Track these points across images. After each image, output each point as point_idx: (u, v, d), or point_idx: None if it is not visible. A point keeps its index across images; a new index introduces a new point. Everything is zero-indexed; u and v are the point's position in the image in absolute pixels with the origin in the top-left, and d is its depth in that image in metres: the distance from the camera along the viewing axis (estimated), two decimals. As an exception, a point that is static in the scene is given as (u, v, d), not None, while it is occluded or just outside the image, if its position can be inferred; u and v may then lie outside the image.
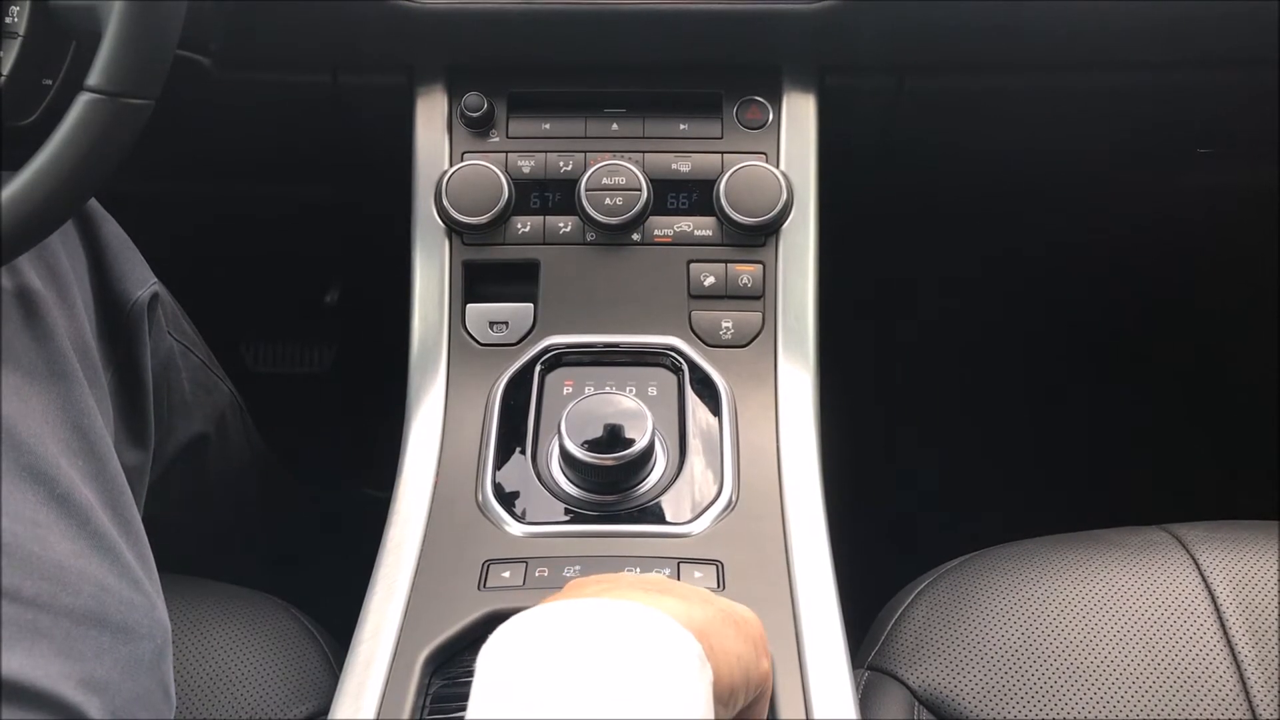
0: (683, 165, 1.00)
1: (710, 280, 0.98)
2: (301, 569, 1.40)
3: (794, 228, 0.99)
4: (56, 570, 0.67)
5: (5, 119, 0.77)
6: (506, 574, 0.80)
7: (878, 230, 1.42)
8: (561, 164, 1.00)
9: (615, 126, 1.02)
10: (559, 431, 0.83)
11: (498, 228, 0.99)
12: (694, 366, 0.94)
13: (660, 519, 0.84)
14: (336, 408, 1.77)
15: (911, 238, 1.50)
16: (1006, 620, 0.87)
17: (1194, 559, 0.90)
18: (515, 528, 0.84)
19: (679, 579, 0.79)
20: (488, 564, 0.81)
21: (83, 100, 0.69)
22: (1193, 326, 1.72)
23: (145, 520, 0.82)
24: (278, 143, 1.20)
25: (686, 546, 0.82)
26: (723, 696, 0.55)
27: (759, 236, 0.98)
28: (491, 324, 0.98)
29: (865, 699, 0.86)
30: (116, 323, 0.88)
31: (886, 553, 1.13)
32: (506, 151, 1.01)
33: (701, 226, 0.99)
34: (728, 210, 0.97)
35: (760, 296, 0.98)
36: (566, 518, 0.85)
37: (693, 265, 0.98)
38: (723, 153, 1.00)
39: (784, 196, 0.97)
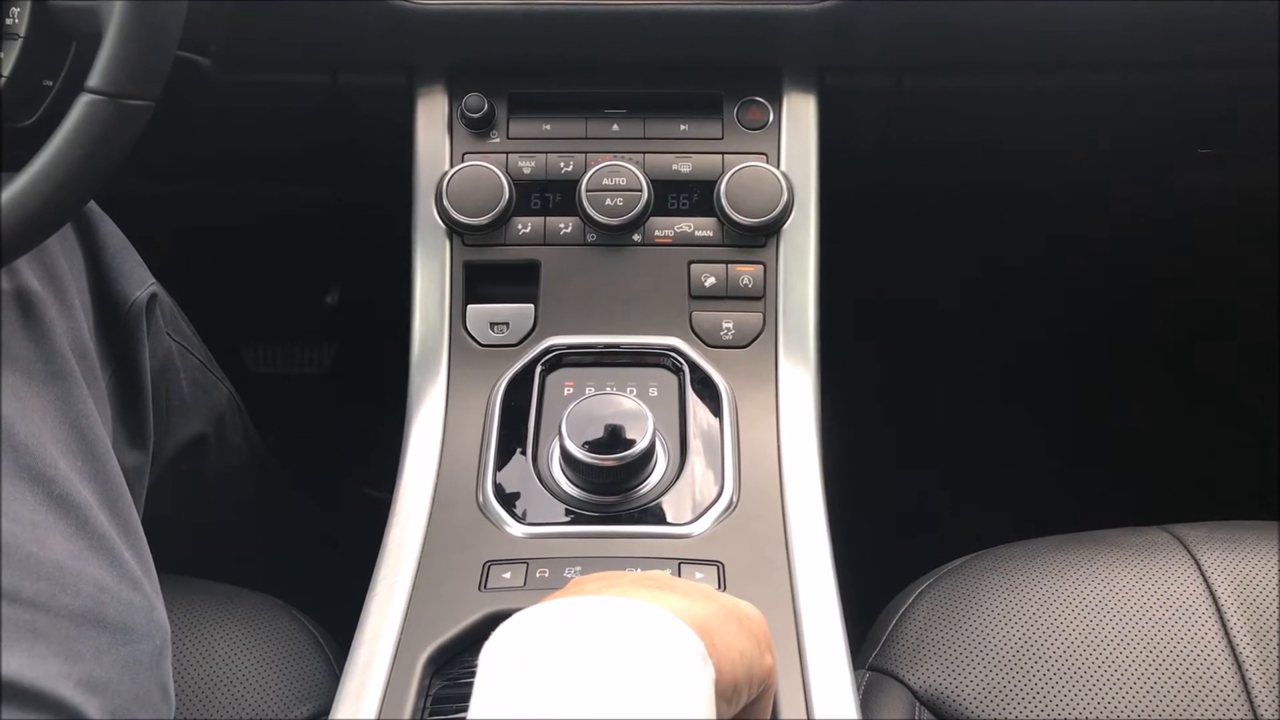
0: (683, 166, 1.00)
1: (711, 281, 0.98)
2: (302, 570, 1.40)
3: (794, 228, 0.99)
4: (55, 571, 0.67)
5: (6, 120, 0.77)
6: (507, 575, 0.80)
7: (878, 230, 1.42)
8: (562, 165, 1.00)
9: (616, 127, 1.02)
10: (560, 432, 0.83)
11: (498, 228, 0.99)
12: (694, 367, 0.94)
13: (661, 520, 0.84)
14: (337, 408, 1.77)
15: (912, 237, 1.50)
16: (1007, 621, 0.87)
17: (1195, 559, 0.90)
18: (516, 528, 0.84)
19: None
20: (488, 565, 0.81)
21: (83, 101, 0.69)
22: (1193, 326, 1.72)
23: (145, 521, 0.82)
24: (278, 143, 1.20)
25: (687, 547, 0.82)
26: (726, 693, 0.55)
27: (759, 237, 0.98)
28: (492, 325, 0.98)
29: (866, 699, 0.86)
30: (114, 323, 0.88)
31: (887, 553, 1.13)
32: (507, 152, 1.01)
33: (702, 227, 0.99)
34: (728, 211, 0.97)
35: (761, 297, 0.98)
36: (567, 518, 0.85)
37: (693, 266, 0.98)
38: (723, 153, 1.00)
39: (784, 197, 0.97)
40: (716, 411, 0.92)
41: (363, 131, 1.12)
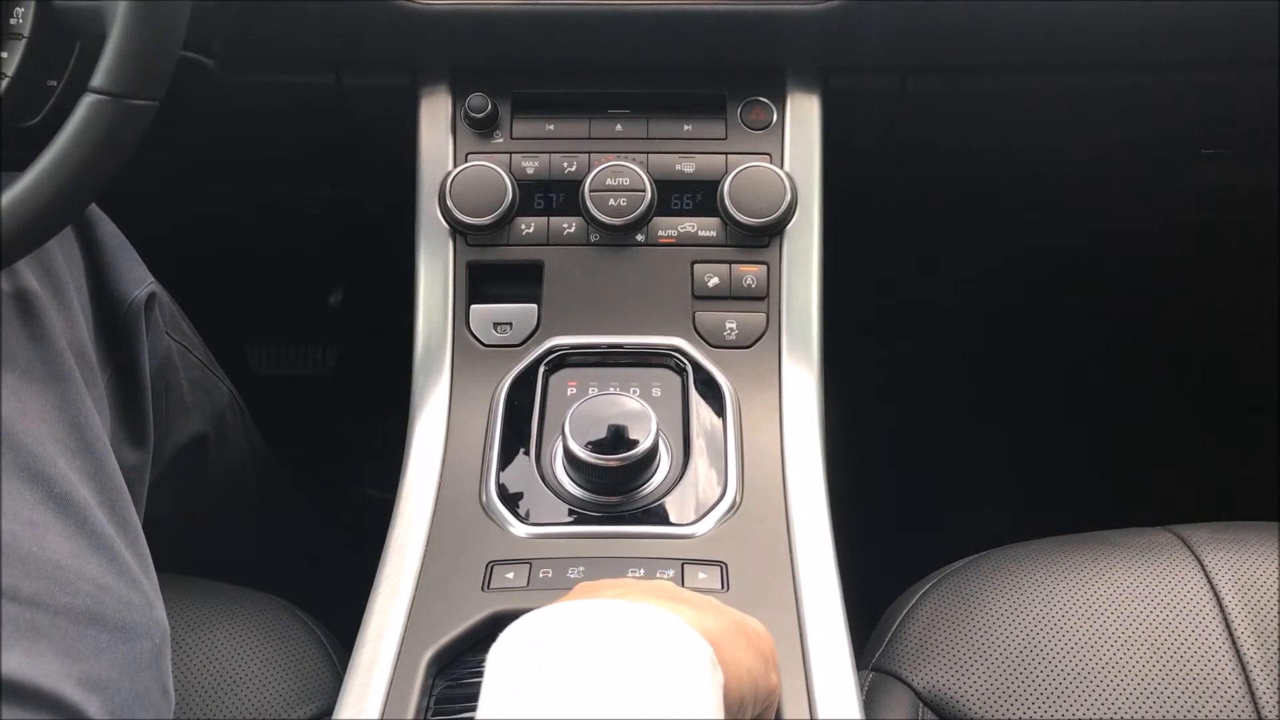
0: (687, 166, 1.00)
1: (714, 281, 0.98)
2: (305, 570, 1.40)
3: (798, 228, 0.99)
4: (55, 570, 0.67)
5: (10, 120, 0.77)
6: (510, 575, 0.79)
7: (881, 230, 1.42)
8: (565, 165, 1.00)
9: (619, 127, 1.02)
10: (563, 432, 0.83)
11: (502, 229, 0.99)
12: (698, 367, 0.94)
13: (664, 520, 0.84)
14: (340, 409, 1.77)
15: (915, 238, 1.50)
16: (1011, 621, 0.87)
17: (1199, 560, 0.90)
18: (519, 529, 0.84)
19: (683, 580, 0.79)
20: (491, 565, 0.80)
21: (87, 101, 0.69)
22: (1195, 326, 1.71)
23: (146, 520, 0.82)
24: (282, 144, 1.20)
25: (690, 548, 0.82)
26: (732, 707, 0.55)
27: (763, 237, 0.98)
28: (495, 325, 0.98)
29: (870, 700, 0.85)
30: (114, 323, 0.88)
31: (891, 554, 1.13)
32: (510, 152, 1.01)
33: (705, 227, 0.99)
34: (732, 211, 0.97)
35: (764, 297, 0.98)
36: (570, 519, 0.85)
37: (697, 266, 0.98)
38: (727, 153, 1.00)
39: (788, 197, 0.97)
40: (720, 412, 0.92)
41: (366, 132, 1.12)
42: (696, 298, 0.98)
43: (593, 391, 0.90)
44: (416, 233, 1.00)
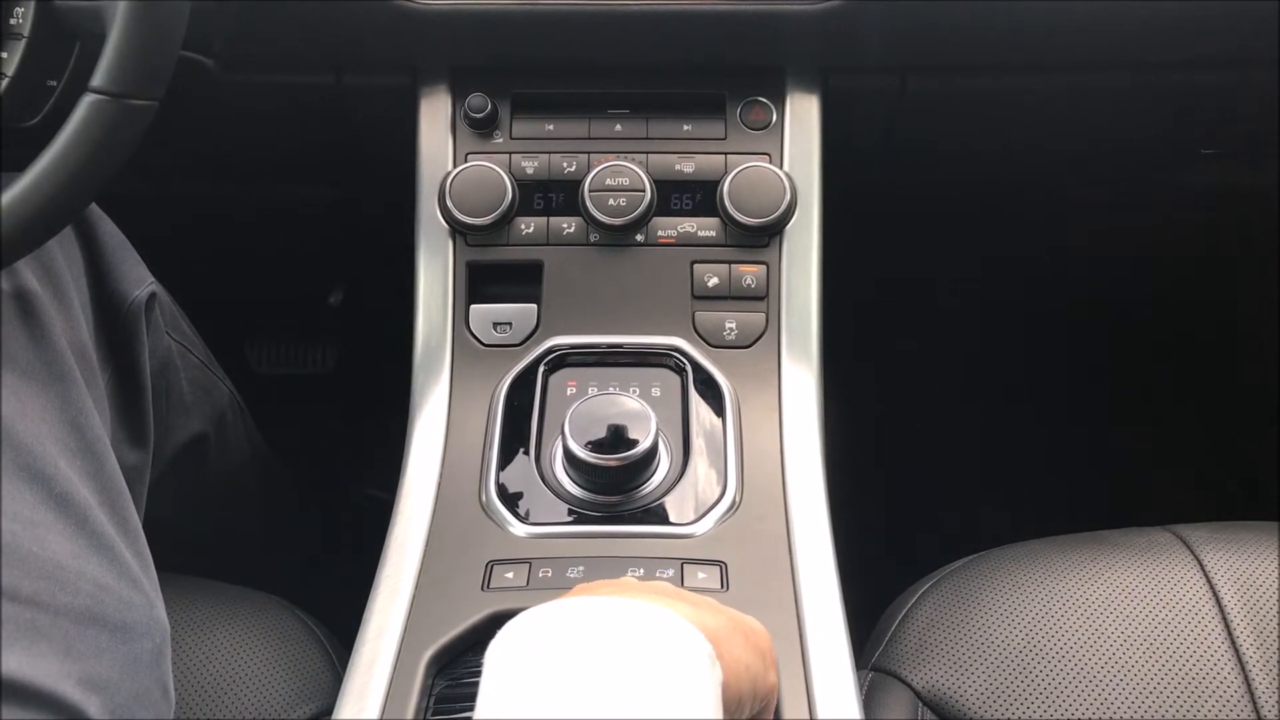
0: (686, 166, 1.00)
1: (714, 281, 0.98)
2: (305, 570, 1.40)
3: (797, 228, 0.99)
4: (55, 569, 0.67)
5: (10, 120, 0.77)
6: (510, 575, 0.79)
7: (881, 230, 1.42)
8: (565, 165, 1.00)
9: (619, 127, 1.02)
10: (562, 432, 0.83)
11: (501, 229, 0.99)
12: (697, 367, 0.94)
13: (664, 520, 0.84)
14: (340, 408, 1.77)
15: (914, 238, 1.50)
16: (1010, 621, 0.87)
17: (1198, 560, 0.90)
18: (519, 528, 0.84)
19: (682, 580, 0.79)
20: (491, 565, 0.81)
21: (87, 101, 0.69)
22: (1195, 327, 1.71)
23: (146, 520, 0.82)
24: (282, 143, 1.20)
25: (690, 547, 0.82)
26: (730, 705, 0.55)
27: (762, 237, 0.98)
28: (495, 325, 0.98)
29: (869, 700, 0.85)
30: (114, 323, 0.88)
31: (890, 554, 1.13)
32: (510, 152, 1.01)
33: (705, 227, 0.99)
34: (731, 211, 0.97)
35: (764, 297, 0.98)
36: (570, 518, 0.85)
37: (696, 266, 0.98)
38: (726, 153, 1.00)
39: (788, 197, 0.97)
40: (719, 411, 0.92)
41: (366, 132, 1.12)
42: (696, 298, 0.98)
43: (592, 391, 0.90)
44: (416, 233, 1.00)
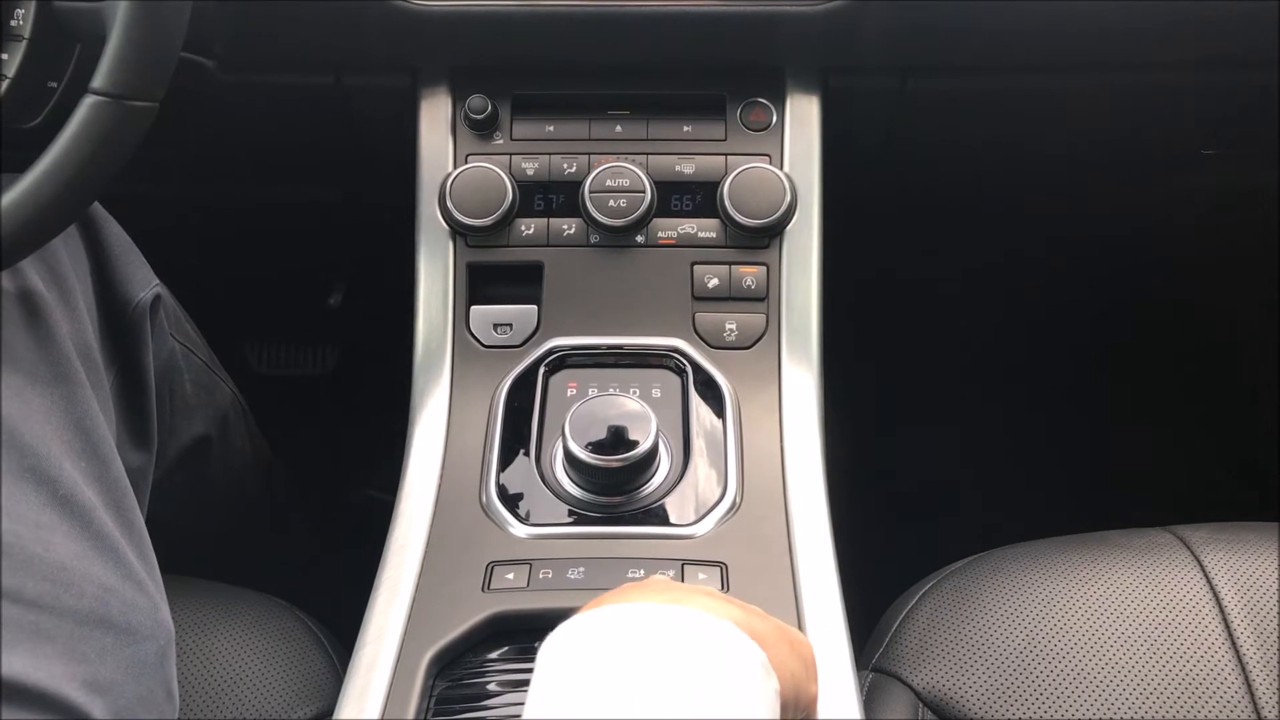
0: (686, 167, 1.00)
1: (714, 282, 0.98)
2: (306, 571, 1.41)
3: (798, 229, 0.99)
4: (59, 571, 0.67)
5: (10, 121, 0.77)
6: (510, 575, 0.80)
7: (881, 231, 1.42)
8: (565, 166, 1.00)
9: (619, 128, 1.02)
10: (563, 433, 0.83)
11: (502, 230, 0.99)
12: (698, 368, 0.94)
13: (664, 520, 0.84)
14: (340, 409, 1.77)
15: (914, 239, 1.50)
16: (1011, 622, 0.87)
17: (1198, 560, 0.90)
18: (519, 529, 0.84)
19: (683, 581, 0.79)
20: (492, 566, 0.81)
21: (87, 103, 0.69)
22: (1195, 327, 1.71)
23: (149, 521, 0.82)
24: (282, 144, 1.20)
25: (690, 548, 0.82)
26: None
27: (763, 238, 0.98)
28: (495, 326, 0.98)
29: (870, 701, 0.86)
30: (118, 324, 0.88)
31: (890, 554, 1.13)
32: (510, 153, 1.01)
33: (705, 228, 0.99)
34: (731, 212, 0.97)
35: (764, 298, 0.98)
36: (570, 519, 0.85)
37: (696, 267, 0.98)
38: (726, 154, 1.00)
39: (788, 198, 0.97)
40: (719, 412, 0.92)
41: (366, 133, 1.12)
42: (696, 299, 0.98)
43: (593, 392, 0.90)
44: (417, 234, 1.00)
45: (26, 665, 0.62)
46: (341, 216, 1.42)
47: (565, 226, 0.99)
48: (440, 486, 0.88)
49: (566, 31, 0.99)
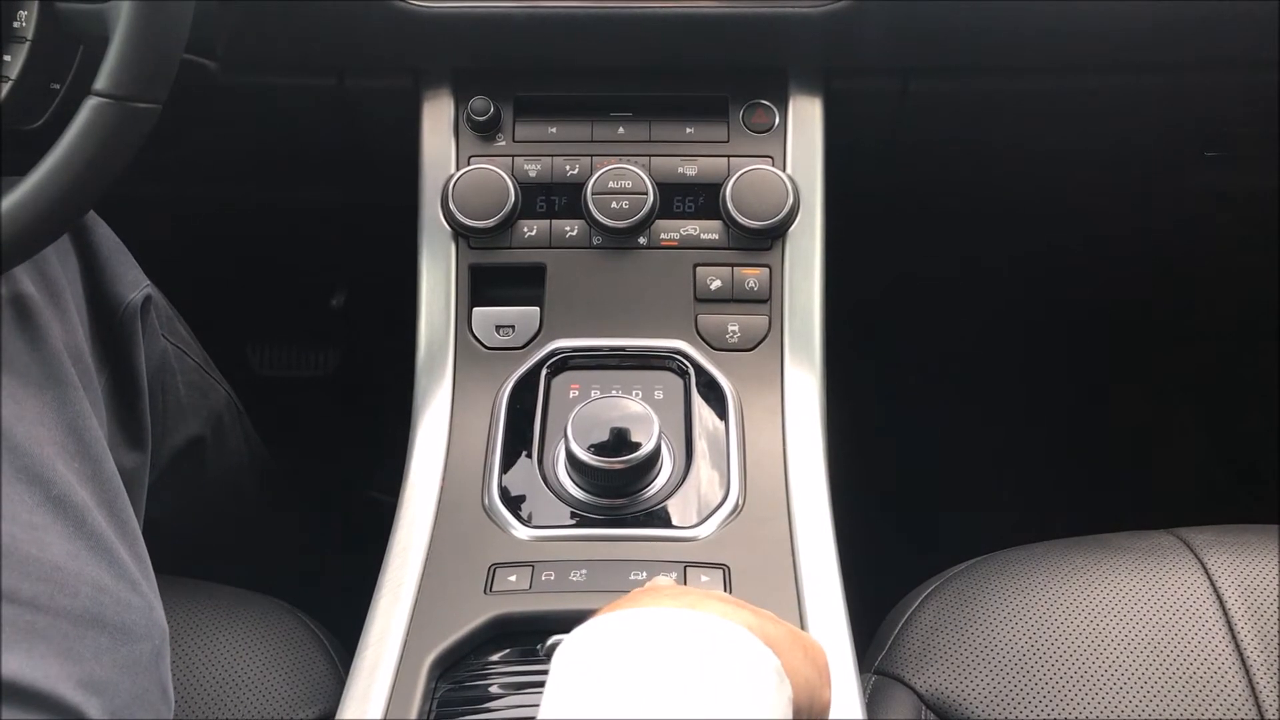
0: (689, 169, 1.00)
1: (716, 284, 0.98)
2: (307, 573, 1.40)
3: (800, 231, 0.99)
4: (54, 571, 0.67)
5: (13, 123, 0.77)
6: (513, 578, 0.79)
7: (883, 232, 1.42)
8: (568, 167, 1.00)
9: (621, 130, 1.02)
10: (565, 435, 0.83)
11: (504, 231, 0.99)
12: (700, 370, 0.94)
13: (667, 523, 0.84)
14: (342, 411, 1.77)
15: (916, 240, 1.50)
16: (1014, 624, 0.87)
17: (1202, 563, 0.89)
18: (521, 531, 0.84)
19: (685, 583, 0.79)
20: (494, 568, 0.80)
21: (90, 104, 0.69)
22: (1196, 328, 1.71)
23: (146, 523, 0.82)
24: (284, 146, 1.20)
25: (693, 550, 0.82)
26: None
27: (765, 240, 0.98)
28: (498, 327, 0.98)
29: (872, 703, 0.85)
30: (110, 326, 0.88)
31: (893, 557, 1.13)
32: (513, 155, 1.01)
33: (708, 230, 0.99)
34: (734, 214, 0.97)
35: (767, 300, 0.98)
36: (573, 521, 0.85)
37: (699, 269, 0.98)
38: (729, 156, 1.00)
39: (790, 200, 0.97)
40: (722, 414, 0.91)
41: (368, 134, 1.12)
42: (699, 300, 0.98)
43: (595, 394, 0.90)
44: (419, 235, 1.00)
45: (23, 665, 0.62)
46: (344, 218, 1.42)
47: (567, 228, 0.99)
48: (442, 488, 0.88)
49: (568, 33, 0.99)
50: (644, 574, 0.79)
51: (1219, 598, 0.87)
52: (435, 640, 0.75)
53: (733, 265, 0.98)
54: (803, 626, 0.77)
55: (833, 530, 0.85)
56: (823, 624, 0.77)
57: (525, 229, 0.99)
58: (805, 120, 1.02)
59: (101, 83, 0.69)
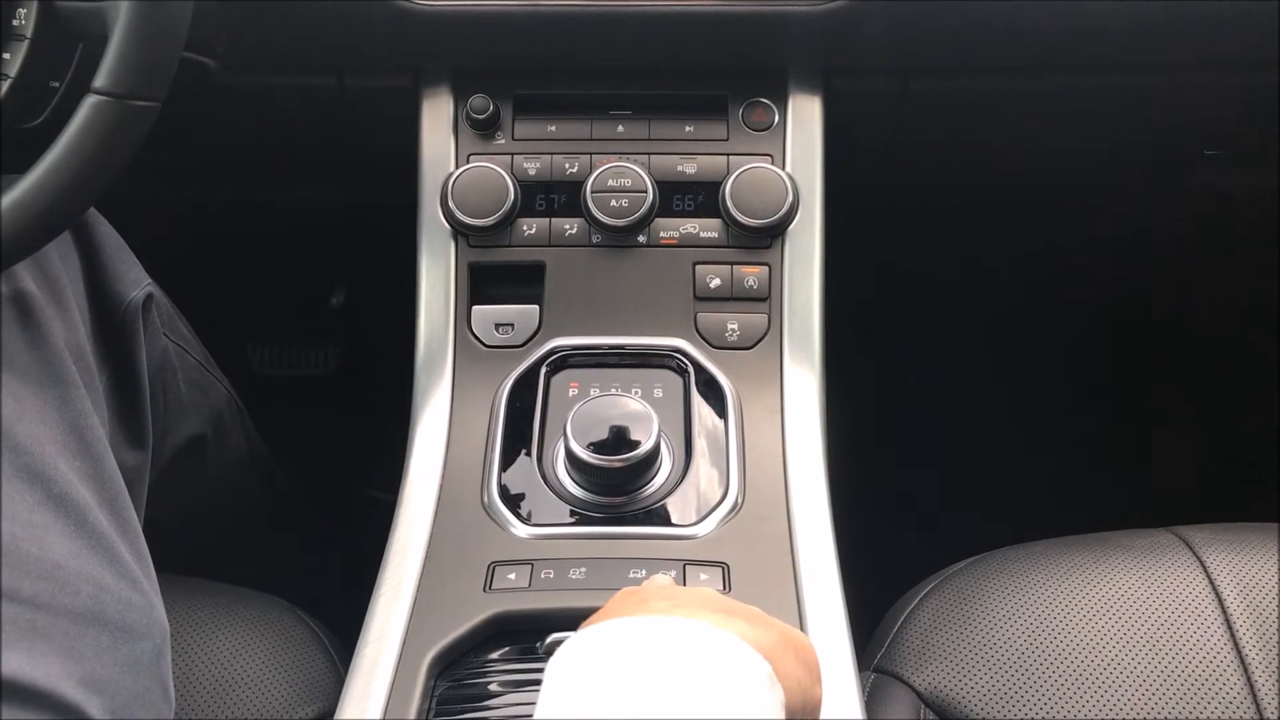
0: (688, 167, 1.00)
1: (716, 282, 0.98)
2: (307, 571, 1.40)
3: (800, 229, 0.99)
4: (55, 570, 0.67)
5: (12, 121, 0.77)
6: (512, 576, 0.79)
7: (882, 232, 1.42)
8: (567, 166, 1.00)
9: (621, 128, 1.02)
10: (564, 433, 0.83)
11: (503, 230, 0.99)
12: (699, 368, 0.94)
13: (666, 521, 0.84)
14: (341, 410, 1.77)
15: (916, 239, 1.50)
16: (1013, 622, 0.87)
17: (1200, 561, 0.89)
18: (521, 529, 0.84)
19: (684, 581, 0.79)
20: (493, 566, 0.80)
21: (89, 102, 0.69)
22: (1196, 327, 1.71)
23: (146, 522, 0.82)
24: (284, 144, 1.20)
25: (692, 549, 0.82)
26: None
27: (765, 238, 0.98)
28: (497, 326, 0.98)
29: (871, 701, 0.85)
30: (111, 324, 0.88)
31: (893, 556, 1.13)
32: (512, 153, 1.01)
33: (707, 228, 0.99)
34: (733, 212, 0.97)
35: (766, 298, 0.98)
36: (572, 519, 0.85)
37: (698, 267, 0.98)
38: (728, 154, 1.00)
39: (790, 198, 0.97)
40: (721, 413, 0.92)
41: (368, 133, 1.12)
42: (698, 299, 0.98)
43: (594, 392, 0.90)
44: (418, 234, 1.00)
45: (24, 664, 0.62)
46: (343, 217, 1.42)
47: (567, 226, 0.99)
48: (442, 486, 0.88)
49: (568, 31, 0.99)
50: (643, 572, 0.79)
51: (1218, 596, 0.87)
52: (434, 638, 0.75)
53: (732, 264, 0.98)
54: (801, 625, 0.77)
55: (832, 529, 0.85)
56: (822, 622, 0.77)
57: (525, 227, 0.99)
58: (805, 119, 1.02)
59: (101, 81, 0.69)
